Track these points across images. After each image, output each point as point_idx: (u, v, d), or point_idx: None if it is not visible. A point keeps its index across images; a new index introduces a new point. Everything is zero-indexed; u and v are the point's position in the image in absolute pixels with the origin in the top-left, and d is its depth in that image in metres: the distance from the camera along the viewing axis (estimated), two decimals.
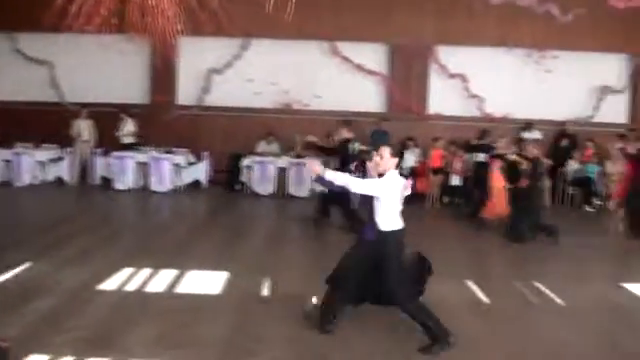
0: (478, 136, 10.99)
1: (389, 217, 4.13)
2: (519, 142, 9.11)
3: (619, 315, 5.22)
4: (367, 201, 4.20)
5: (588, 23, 11.49)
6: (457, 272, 6.20)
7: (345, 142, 8.54)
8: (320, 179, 4.24)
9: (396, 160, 4.21)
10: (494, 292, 5.63)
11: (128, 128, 11.59)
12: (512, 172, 8.26)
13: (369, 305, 4.59)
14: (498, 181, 8.53)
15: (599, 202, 10.99)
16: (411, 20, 11.63)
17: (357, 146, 9.07)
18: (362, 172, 4.85)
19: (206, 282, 5.56)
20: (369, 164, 4.37)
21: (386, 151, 4.15)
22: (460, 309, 5.11)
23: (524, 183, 8.05)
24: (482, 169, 9.52)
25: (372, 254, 4.17)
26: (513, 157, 8.26)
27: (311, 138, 9.53)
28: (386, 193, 4.09)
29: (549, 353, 4.32)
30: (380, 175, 4.19)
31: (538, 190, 8.30)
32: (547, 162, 9.42)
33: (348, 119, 10.89)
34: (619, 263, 7.44)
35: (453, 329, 4.26)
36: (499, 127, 11.58)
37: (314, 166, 4.23)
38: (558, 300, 5.52)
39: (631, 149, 10.48)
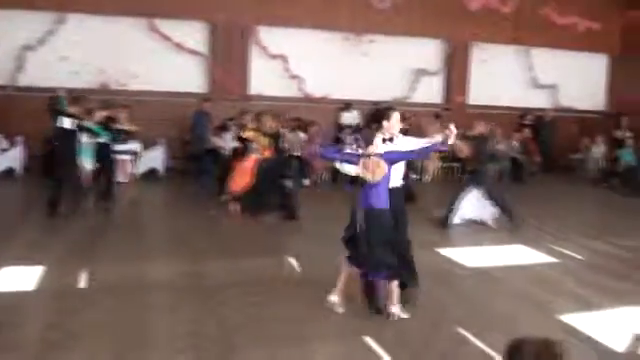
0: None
1: None
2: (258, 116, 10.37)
3: (434, 277, 6.57)
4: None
5: (404, 9, 14.50)
6: (276, 248, 7.78)
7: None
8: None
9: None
10: (311, 264, 6.97)
11: None
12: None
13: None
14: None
15: (415, 176, 13.93)
16: None
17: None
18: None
19: (20, 278, 6.10)
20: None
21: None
22: (277, 283, 6.35)
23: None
24: None
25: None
26: (248, 133, 9.77)
27: None
28: None
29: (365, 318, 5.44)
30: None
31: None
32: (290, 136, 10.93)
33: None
34: (433, 231, 9.12)
35: (274, 304, 5.63)
36: (318, 107, 14.23)
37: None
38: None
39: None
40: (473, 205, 9.52)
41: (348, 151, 5.51)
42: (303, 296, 5.96)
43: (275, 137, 9.75)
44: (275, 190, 9.52)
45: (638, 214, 11.84)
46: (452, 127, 5.05)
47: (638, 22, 16.28)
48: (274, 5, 13.92)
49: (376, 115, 5.40)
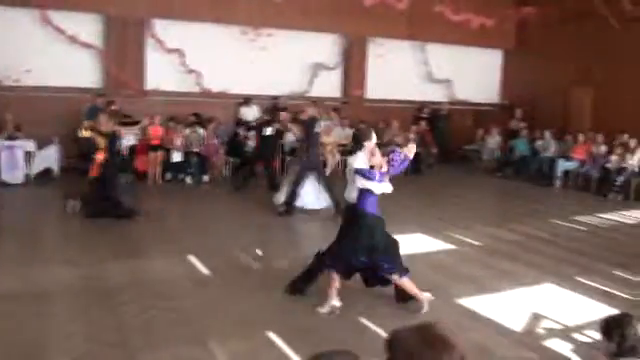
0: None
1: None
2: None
3: None
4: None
5: (300, 3, 16.30)
6: (179, 247, 8.38)
7: None
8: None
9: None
10: (215, 263, 7.70)
11: None
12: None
13: None
14: None
15: None
16: None
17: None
18: None
19: None
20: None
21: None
22: (181, 283, 6.95)
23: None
24: None
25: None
26: (86, 133, 10.26)
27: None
28: None
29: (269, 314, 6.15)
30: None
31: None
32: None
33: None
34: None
35: (175, 304, 6.15)
36: (218, 102, 15.85)
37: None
38: (276, 264, 7.90)
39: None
40: (311, 194, 10.96)
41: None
42: (205, 294, 6.62)
43: (110, 137, 10.18)
44: (112, 191, 10.18)
45: (531, 201, 14.10)
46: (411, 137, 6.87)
47: (531, 18, 18.85)
48: None
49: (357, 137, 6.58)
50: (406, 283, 6.43)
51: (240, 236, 9.39)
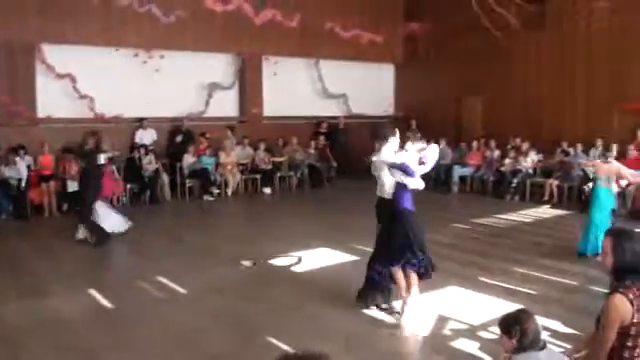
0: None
1: None
2: None
3: (241, 291, 7.59)
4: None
5: (191, 24, 16.13)
6: (76, 282, 8.00)
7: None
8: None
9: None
10: (118, 296, 7.40)
11: None
12: None
13: None
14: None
15: (217, 190, 15.70)
16: (13, 15, 14.22)
17: None
18: None
19: None
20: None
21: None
22: (82, 320, 6.60)
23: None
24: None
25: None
26: None
27: None
28: None
29: (181, 341, 5.92)
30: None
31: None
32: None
33: None
34: (239, 244, 10.39)
35: (75, 344, 5.80)
36: (112, 128, 15.40)
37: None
38: (181, 290, 7.71)
39: None
40: (110, 216, 10.87)
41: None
42: (112, 329, 6.37)
43: None
44: None
45: (431, 208, 13.67)
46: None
47: (416, 32, 19.48)
48: (59, 22, 14.64)
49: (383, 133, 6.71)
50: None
51: (140, 266, 9.09)
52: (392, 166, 6.43)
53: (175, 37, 15.99)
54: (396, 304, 6.81)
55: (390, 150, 6.56)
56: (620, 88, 15.29)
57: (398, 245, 6.46)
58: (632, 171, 9.71)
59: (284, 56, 18.21)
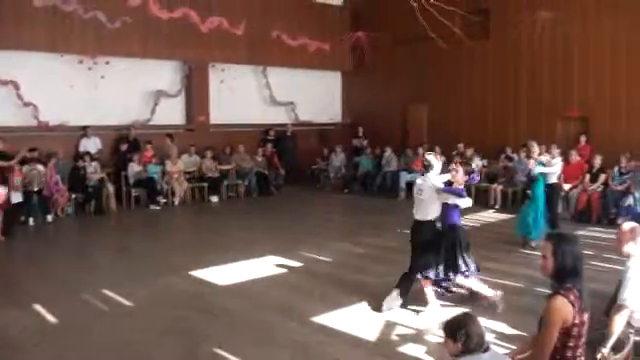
0: None
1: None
2: None
3: (187, 301, 7.49)
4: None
5: (136, 31, 15.87)
6: (19, 297, 7.69)
7: None
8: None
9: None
10: (63, 310, 7.18)
11: None
12: None
13: None
14: None
15: (164, 200, 15.46)
16: None
17: None
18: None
19: None
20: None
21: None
22: (27, 336, 6.32)
23: None
24: None
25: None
26: None
27: None
28: None
29: (128, 354, 5.82)
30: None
31: None
32: None
33: None
34: (186, 253, 10.31)
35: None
36: (57, 136, 15.03)
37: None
38: (127, 302, 7.51)
39: None
40: None
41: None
42: (57, 345, 6.13)
43: None
44: None
45: (378, 214, 14.51)
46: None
47: (363, 41, 19.58)
48: (1, 27, 14.17)
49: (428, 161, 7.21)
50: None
51: (85, 278, 8.85)
52: (445, 191, 6.92)
53: (121, 43, 15.69)
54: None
55: (436, 175, 7.15)
56: (563, 96, 15.71)
57: (455, 255, 6.92)
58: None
59: (231, 63, 18.11)
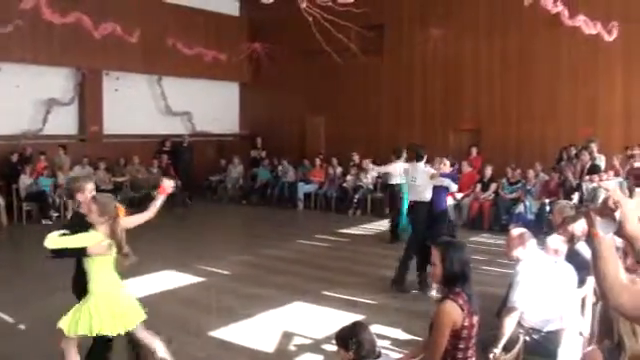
0: None
1: None
2: None
3: None
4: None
5: (29, 36, 15.21)
6: None
7: None
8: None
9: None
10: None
11: None
12: None
13: None
14: None
15: (57, 214, 14.83)
16: None
17: None
18: None
19: None
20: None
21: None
22: None
23: None
24: None
25: None
26: None
27: None
28: None
29: None
30: None
31: None
32: None
33: None
34: None
35: None
36: None
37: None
38: (8, 318, 7.35)
39: None
40: None
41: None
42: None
43: None
44: None
45: (276, 225, 14.56)
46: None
47: (260, 52, 19.63)
48: None
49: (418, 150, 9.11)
50: None
51: None
52: (443, 175, 8.53)
53: (12, 48, 14.94)
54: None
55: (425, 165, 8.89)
56: (455, 109, 16.37)
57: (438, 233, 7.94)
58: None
59: (126, 71, 17.71)
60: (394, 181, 12.22)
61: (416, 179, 8.65)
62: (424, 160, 8.94)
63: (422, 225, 8.46)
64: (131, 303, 5.07)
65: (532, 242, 5.16)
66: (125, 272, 8.44)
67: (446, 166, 8.76)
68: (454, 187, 8.95)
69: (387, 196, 13.83)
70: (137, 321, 4.98)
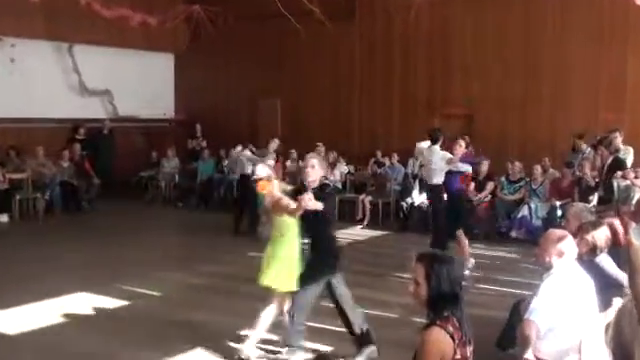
0: None
1: None
2: None
3: None
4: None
5: None
6: None
7: None
8: None
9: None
10: None
11: None
12: None
13: None
14: None
15: None
16: None
17: None
18: None
19: None
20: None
21: None
22: None
23: None
24: None
25: None
26: None
27: None
28: None
29: None
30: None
31: None
32: None
33: None
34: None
35: None
36: None
37: None
38: None
39: None
40: None
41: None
42: None
43: None
44: None
45: (221, 233, 14.26)
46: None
47: (202, 16, 19.43)
48: None
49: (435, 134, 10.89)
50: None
51: None
52: (462, 160, 10.54)
53: None
54: None
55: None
56: (441, 91, 16.33)
57: (459, 214, 10.62)
58: None
59: (25, 38, 17.21)
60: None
61: (432, 162, 10.55)
62: (439, 143, 10.62)
63: (440, 206, 10.71)
64: None
65: (573, 252, 5.05)
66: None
67: (462, 147, 10.40)
68: (469, 169, 11.19)
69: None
70: None
